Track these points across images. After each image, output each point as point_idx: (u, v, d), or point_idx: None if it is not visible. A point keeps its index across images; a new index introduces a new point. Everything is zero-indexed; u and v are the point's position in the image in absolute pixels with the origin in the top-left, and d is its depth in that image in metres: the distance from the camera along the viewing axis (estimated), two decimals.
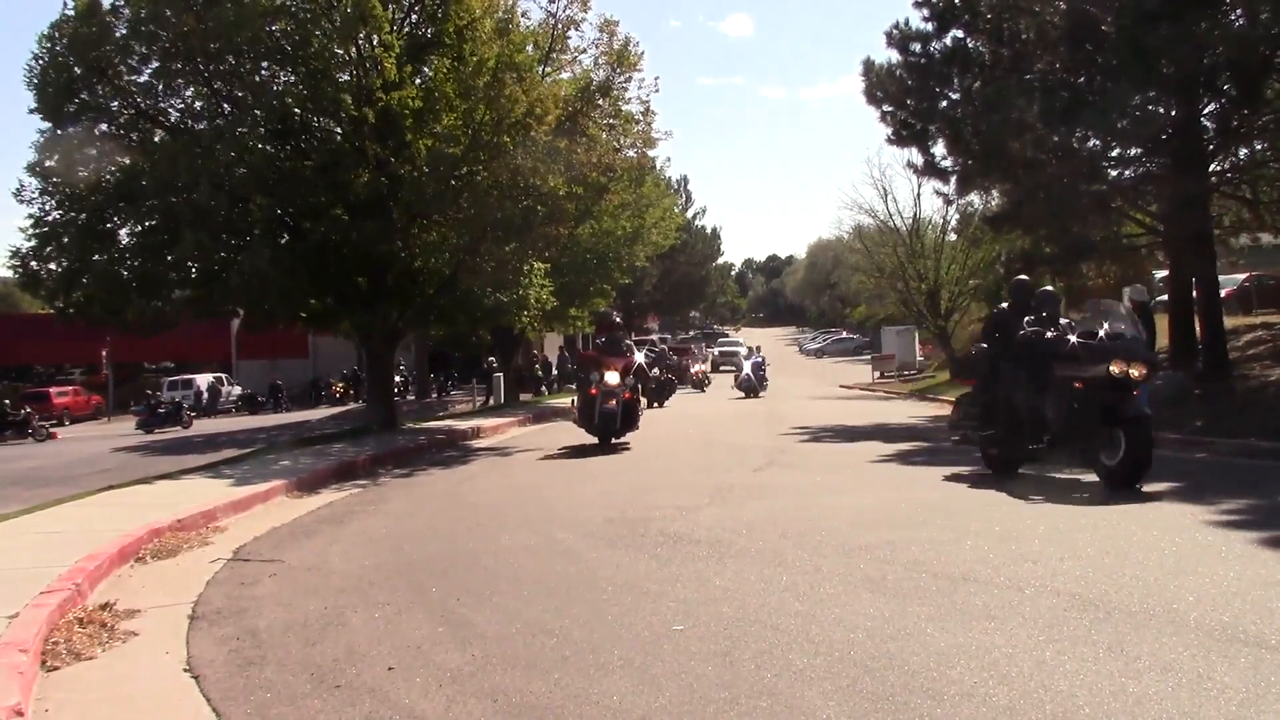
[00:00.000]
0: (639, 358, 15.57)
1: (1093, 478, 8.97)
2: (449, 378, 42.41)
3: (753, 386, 30.29)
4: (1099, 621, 4.61)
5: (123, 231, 16.63)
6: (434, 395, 39.85)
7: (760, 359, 32.73)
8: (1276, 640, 4.23)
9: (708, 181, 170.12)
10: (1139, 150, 16.71)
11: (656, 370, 22.06)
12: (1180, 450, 11.92)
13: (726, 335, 75.13)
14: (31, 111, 16.07)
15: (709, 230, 61.90)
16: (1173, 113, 15.72)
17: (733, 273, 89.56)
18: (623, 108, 18.70)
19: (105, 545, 7.01)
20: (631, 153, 20.24)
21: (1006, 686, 3.81)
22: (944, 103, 18.16)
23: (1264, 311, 24.32)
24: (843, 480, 10.36)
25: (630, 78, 18.30)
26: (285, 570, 6.71)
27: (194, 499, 9.44)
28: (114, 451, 21.52)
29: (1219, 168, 16.85)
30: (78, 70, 15.76)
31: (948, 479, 10.00)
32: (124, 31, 15.99)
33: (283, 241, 17.13)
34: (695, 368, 37.99)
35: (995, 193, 22.12)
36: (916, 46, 17.87)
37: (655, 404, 22.49)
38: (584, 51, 18.37)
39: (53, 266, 16.49)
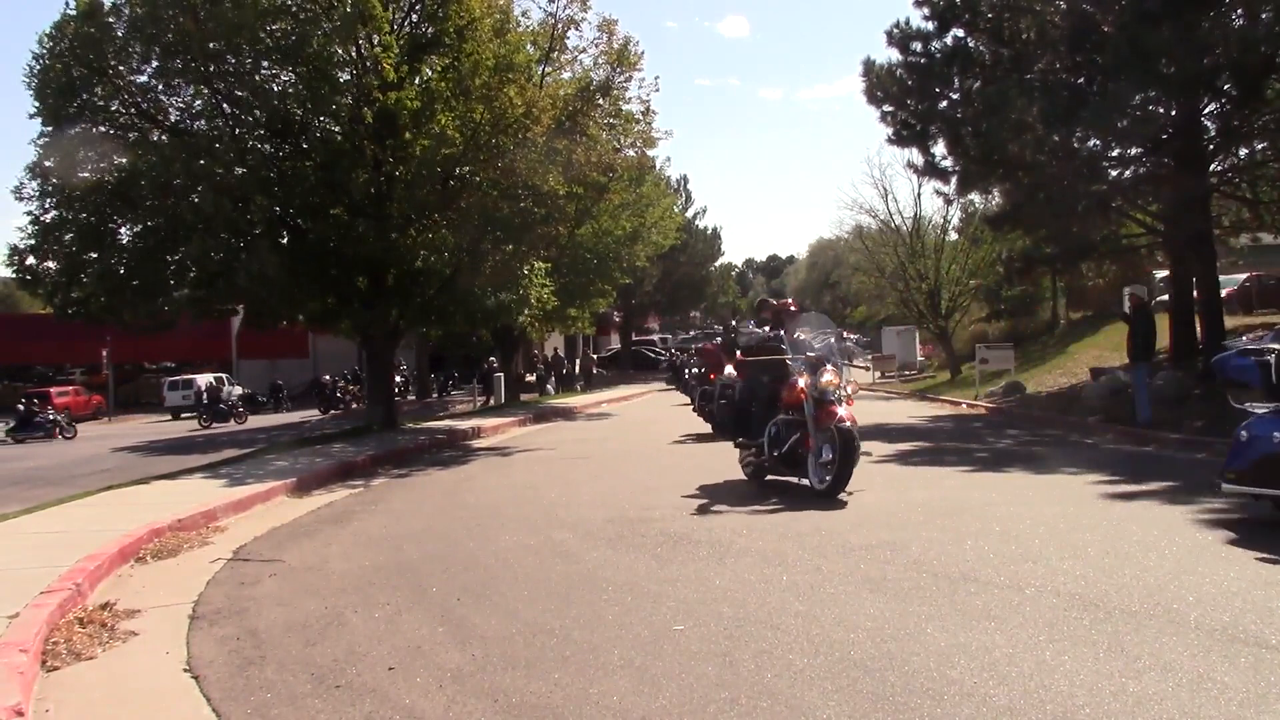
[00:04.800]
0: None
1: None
2: (449, 378, 42.41)
3: None
4: (1099, 621, 4.61)
5: (123, 231, 16.65)
6: (434, 395, 39.85)
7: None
8: (1276, 640, 4.23)
9: (707, 182, 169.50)
10: (1139, 150, 16.71)
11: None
12: (1180, 450, 11.92)
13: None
14: (32, 116, 16.14)
15: (709, 230, 61.50)
16: (1173, 113, 15.73)
17: (733, 273, 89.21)
18: (623, 107, 18.68)
19: (105, 545, 7.01)
20: (631, 152, 20.22)
21: (1006, 686, 3.81)
22: (944, 103, 18.17)
23: (1264, 311, 24.34)
24: None
25: (630, 77, 18.29)
26: (285, 570, 6.71)
27: (194, 499, 9.45)
28: (114, 451, 21.54)
29: (1219, 168, 16.86)
30: (77, 72, 15.78)
31: (948, 479, 10.00)
32: (124, 32, 16.00)
33: (284, 241, 17.15)
34: None
35: (996, 193, 22.15)
36: (917, 46, 17.87)
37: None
38: (584, 51, 18.36)
39: (51, 265, 16.52)
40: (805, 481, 8.90)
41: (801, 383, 8.76)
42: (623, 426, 20.26)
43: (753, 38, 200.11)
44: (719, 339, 17.72)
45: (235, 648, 4.87)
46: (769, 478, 9.63)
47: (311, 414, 33.91)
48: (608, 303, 36.32)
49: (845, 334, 9.42)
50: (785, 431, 8.98)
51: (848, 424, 8.37)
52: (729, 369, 14.82)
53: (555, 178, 16.71)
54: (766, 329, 10.24)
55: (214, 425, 31.03)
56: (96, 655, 4.86)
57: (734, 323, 10.73)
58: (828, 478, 8.44)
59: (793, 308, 10.58)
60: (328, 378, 37.00)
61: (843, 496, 8.44)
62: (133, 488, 11.03)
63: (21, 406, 30.99)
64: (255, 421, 32.42)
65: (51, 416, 30.78)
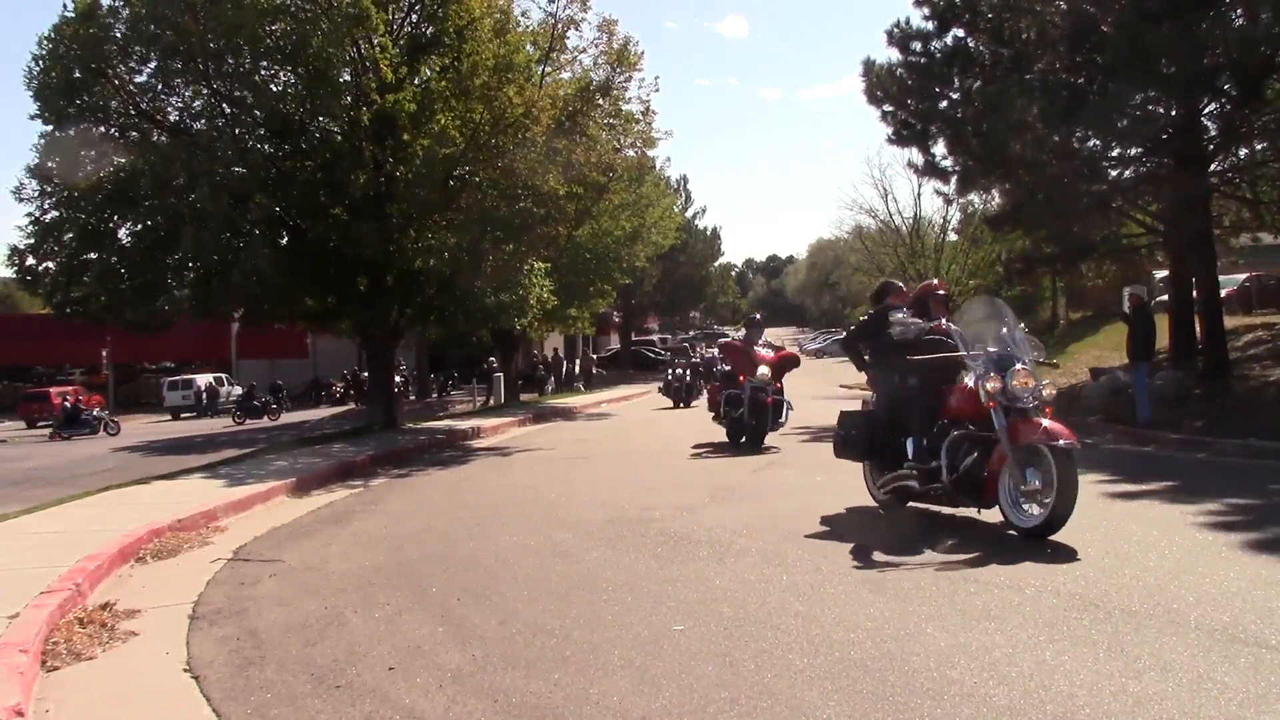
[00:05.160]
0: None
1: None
2: (449, 378, 42.43)
3: None
4: (1099, 621, 4.61)
5: (122, 231, 16.67)
6: (434, 395, 39.86)
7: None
8: (1276, 640, 4.23)
9: (707, 182, 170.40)
10: (1139, 150, 16.71)
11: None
12: (1180, 450, 11.93)
13: (726, 336, 74.70)
14: (33, 118, 16.16)
15: (709, 230, 61.48)
16: (1173, 113, 15.72)
17: (733, 273, 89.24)
18: (623, 107, 18.66)
19: (105, 545, 7.01)
20: (631, 152, 20.21)
21: (1006, 686, 3.81)
22: (944, 102, 18.15)
23: (1264, 311, 24.33)
24: (842, 480, 10.32)
25: (630, 77, 18.25)
26: (285, 570, 6.71)
27: (194, 499, 9.45)
28: (114, 451, 21.55)
29: (1219, 168, 16.84)
30: (77, 73, 15.78)
31: None
32: (124, 32, 16.01)
33: (283, 241, 17.16)
34: None
35: (995, 193, 22.13)
36: (917, 45, 17.85)
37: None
38: (584, 51, 18.30)
39: (51, 265, 16.54)
40: (988, 514, 7.11)
41: (989, 386, 6.75)
42: (623, 427, 20.27)
43: (752, 38, 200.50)
44: (743, 334, 15.74)
45: (235, 648, 4.87)
46: (911, 505, 7.86)
47: (349, 408, 35.34)
48: (607, 303, 36.32)
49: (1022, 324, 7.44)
50: (960, 449, 7.03)
51: (1064, 441, 6.35)
52: (762, 369, 13.60)
53: (555, 178, 16.71)
54: (909, 317, 8.02)
55: (248, 421, 32.79)
56: (96, 655, 4.86)
57: (876, 310, 8.10)
58: (1035, 510, 6.47)
59: (940, 291, 8.53)
60: (366, 374, 37.52)
61: (1060, 539, 6.31)
62: (133, 488, 11.02)
63: (68, 404, 32.08)
64: (247, 423, 33.05)
65: (97, 414, 31.60)
